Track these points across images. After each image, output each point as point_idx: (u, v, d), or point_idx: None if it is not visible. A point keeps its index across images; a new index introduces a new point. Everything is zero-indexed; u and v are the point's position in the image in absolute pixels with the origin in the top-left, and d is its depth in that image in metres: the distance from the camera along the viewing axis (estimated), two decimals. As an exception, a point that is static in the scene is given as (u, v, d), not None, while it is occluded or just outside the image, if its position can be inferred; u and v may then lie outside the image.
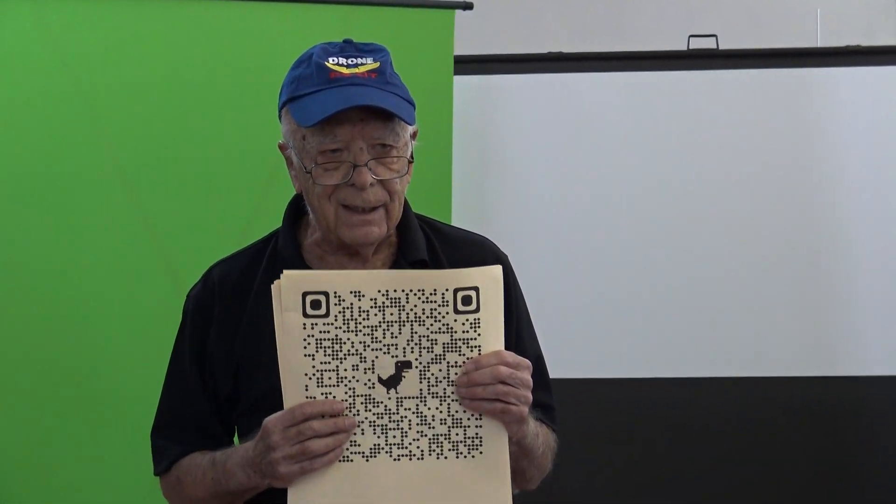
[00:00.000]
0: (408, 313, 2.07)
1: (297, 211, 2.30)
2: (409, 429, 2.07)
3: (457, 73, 4.22)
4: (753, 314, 4.47)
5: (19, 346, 3.90)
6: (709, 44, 4.55)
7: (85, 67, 3.95)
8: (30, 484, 3.89)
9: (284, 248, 2.26)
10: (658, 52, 4.58)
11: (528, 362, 2.08)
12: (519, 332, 2.30)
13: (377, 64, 2.17)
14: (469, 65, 4.45)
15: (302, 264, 2.22)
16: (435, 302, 2.07)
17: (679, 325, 4.47)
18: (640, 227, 4.50)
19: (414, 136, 2.24)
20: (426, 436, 2.07)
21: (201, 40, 4.02)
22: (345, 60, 2.17)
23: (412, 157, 2.24)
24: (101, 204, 3.94)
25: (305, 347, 2.05)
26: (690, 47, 4.56)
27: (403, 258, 2.25)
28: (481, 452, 2.08)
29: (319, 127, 2.13)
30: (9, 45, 3.94)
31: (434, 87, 4.08)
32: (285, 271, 2.06)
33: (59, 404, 3.90)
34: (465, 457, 2.07)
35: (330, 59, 2.17)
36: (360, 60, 2.18)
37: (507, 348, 2.10)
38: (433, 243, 2.30)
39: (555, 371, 2.38)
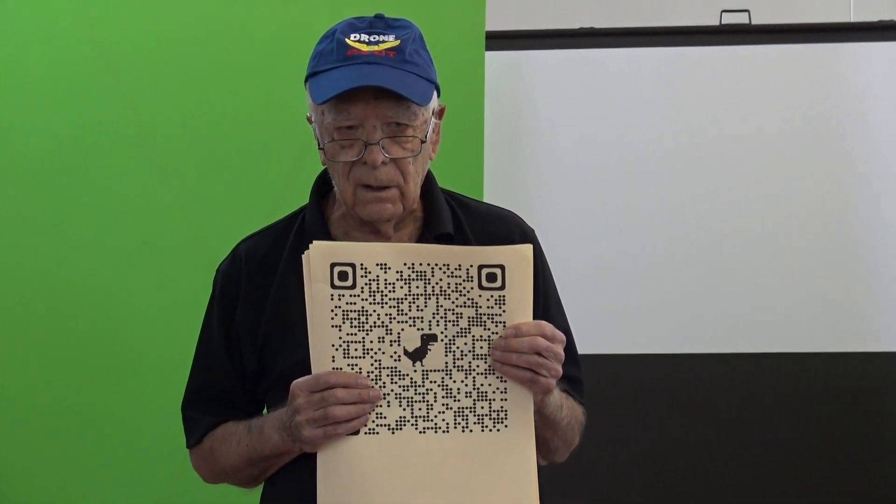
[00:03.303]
0: (433, 287, 2.09)
1: (323, 186, 2.32)
2: (435, 401, 2.09)
3: (488, 48, 4.20)
4: (783, 289, 4.46)
5: (48, 320, 3.93)
6: (741, 19, 4.54)
7: (114, 43, 3.97)
8: (57, 456, 3.93)
9: (311, 223, 2.28)
10: (690, 28, 4.56)
11: (563, 336, 2.10)
12: (546, 305, 2.30)
13: (397, 42, 2.17)
14: (501, 40, 4.43)
15: (328, 240, 2.23)
16: (459, 277, 2.09)
17: (711, 300, 4.47)
18: (672, 203, 4.49)
19: (440, 113, 2.25)
20: (451, 409, 2.09)
21: (232, 13, 4.02)
22: (367, 37, 2.18)
23: (438, 133, 2.25)
24: (130, 180, 3.96)
25: (332, 318, 2.07)
26: (723, 22, 4.55)
27: (429, 232, 2.27)
28: (506, 426, 2.09)
29: (334, 104, 2.14)
30: (36, 21, 3.97)
31: (466, 63, 4.07)
32: (314, 241, 2.09)
33: (89, 379, 3.93)
34: (491, 430, 2.09)
35: (352, 36, 2.18)
36: (381, 38, 2.18)
37: (535, 300, 2.13)
38: (459, 218, 2.30)
39: (586, 346, 2.38)
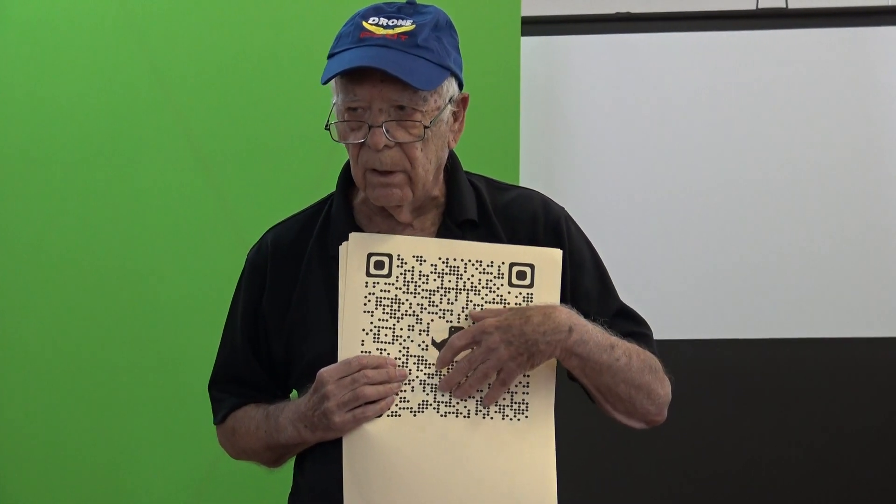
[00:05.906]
0: (465, 282, 2.14)
1: (350, 173, 2.32)
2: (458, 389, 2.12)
3: (524, 33, 4.20)
4: (827, 274, 4.45)
5: (87, 305, 3.97)
6: (778, 3, 4.53)
7: (155, 36, 4.00)
8: (93, 430, 3.98)
9: (336, 211, 2.28)
10: (726, 12, 4.55)
11: (477, 328, 2.09)
12: (578, 279, 2.26)
13: (412, 27, 2.14)
14: (536, 25, 4.45)
15: (353, 226, 2.24)
16: (491, 273, 2.14)
17: (752, 286, 4.46)
18: (708, 188, 4.49)
19: (463, 102, 2.22)
20: (474, 398, 2.12)
21: (270, 3, 4.05)
22: (385, 21, 2.16)
23: (461, 122, 2.23)
24: (168, 169, 3.99)
25: (366, 304, 2.12)
26: (759, 6, 4.54)
27: (450, 218, 2.25)
28: (527, 417, 2.13)
29: (344, 85, 2.15)
30: (81, 14, 4.00)
31: (501, 49, 4.07)
32: (353, 233, 2.14)
33: (127, 362, 3.97)
34: (511, 420, 2.13)
35: (371, 20, 2.16)
36: (398, 22, 2.16)
37: (563, 300, 2.15)
38: (484, 202, 2.28)
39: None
